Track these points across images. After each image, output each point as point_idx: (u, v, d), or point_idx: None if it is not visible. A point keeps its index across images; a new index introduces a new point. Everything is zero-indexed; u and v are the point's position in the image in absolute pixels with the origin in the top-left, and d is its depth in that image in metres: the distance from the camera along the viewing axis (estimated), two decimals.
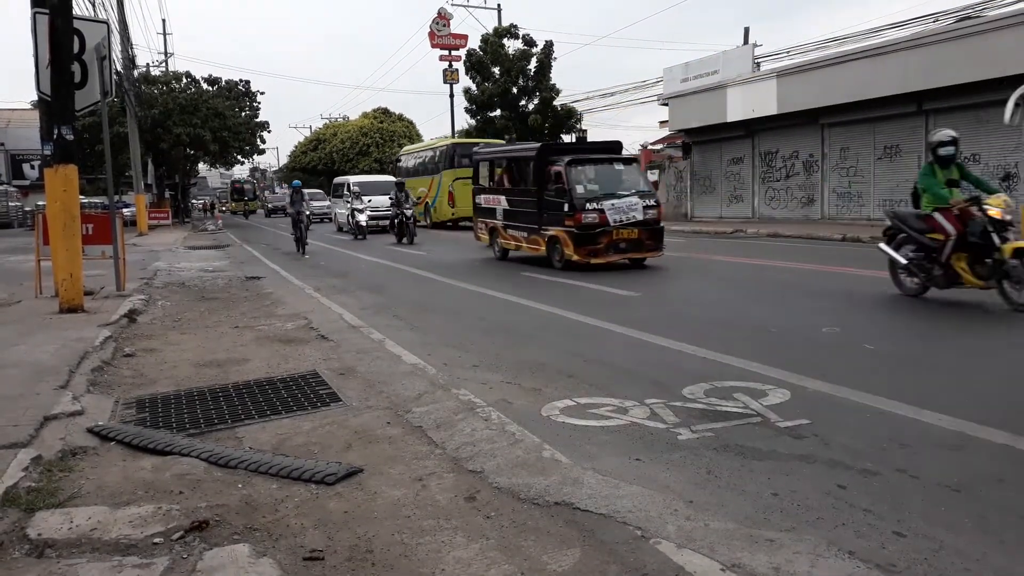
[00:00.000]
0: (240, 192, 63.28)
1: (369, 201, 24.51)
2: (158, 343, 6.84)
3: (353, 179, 28.81)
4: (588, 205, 11.68)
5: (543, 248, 12.62)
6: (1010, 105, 12.93)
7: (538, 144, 13.56)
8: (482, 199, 15.22)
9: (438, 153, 28.53)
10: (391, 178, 28.76)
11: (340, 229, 27.70)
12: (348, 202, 24.05)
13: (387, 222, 23.01)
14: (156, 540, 2.84)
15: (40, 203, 19.93)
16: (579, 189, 11.91)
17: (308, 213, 18.97)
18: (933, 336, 6.47)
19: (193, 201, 61.55)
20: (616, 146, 14.57)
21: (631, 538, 2.79)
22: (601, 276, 10.99)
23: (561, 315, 7.94)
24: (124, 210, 26.90)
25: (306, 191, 21.10)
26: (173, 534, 2.88)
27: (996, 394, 4.67)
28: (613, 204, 11.77)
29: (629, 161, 13.36)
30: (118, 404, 4.84)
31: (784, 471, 3.47)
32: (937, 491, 3.21)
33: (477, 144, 31.70)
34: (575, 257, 11.66)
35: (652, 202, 12.24)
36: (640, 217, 11.91)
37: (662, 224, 12.57)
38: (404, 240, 20.05)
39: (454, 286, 10.92)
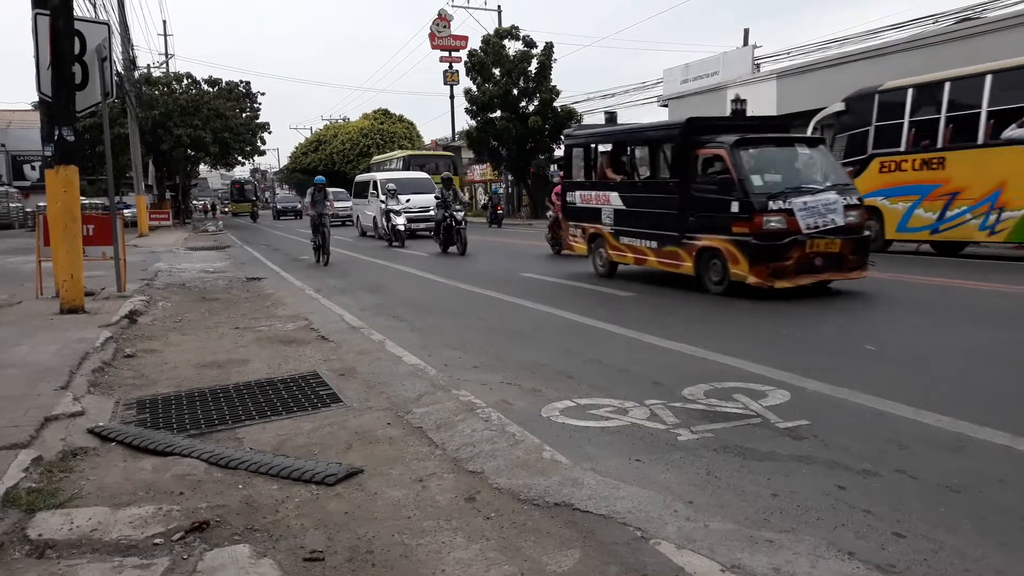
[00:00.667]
0: (241, 192, 61.48)
1: (407, 201, 20.81)
2: (159, 344, 6.85)
3: (382, 176, 24.70)
4: (771, 204, 8.31)
5: (688, 264, 9.29)
6: (810, 130, 14.36)
7: (681, 119, 10.14)
8: (577, 196, 11.73)
9: (399, 161, 31.29)
10: (425, 175, 25.87)
11: (363, 233, 24.48)
12: (383, 202, 20.25)
13: (423, 226, 20.21)
14: (156, 541, 2.84)
15: (41, 204, 19.94)
16: (756, 181, 8.60)
17: (331, 215, 16.17)
18: (933, 336, 6.47)
19: (194, 202, 61.20)
20: (783, 123, 11.20)
21: (631, 539, 2.80)
22: (601, 276, 11.00)
23: (561, 316, 7.95)
24: (125, 211, 26.91)
25: (330, 190, 18.02)
26: (173, 535, 2.89)
27: (996, 394, 4.67)
28: (805, 203, 8.36)
29: (815, 142, 9.79)
30: (119, 405, 4.84)
31: (784, 472, 3.47)
32: (937, 492, 3.21)
33: (431, 154, 32.52)
34: (752, 279, 8.37)
35: (854, 200, 8.77)
36: (841, 221, 8.46)
37: (867, 232, 9.12)
38: (454, 249, 16.45)
39: (454, 287, 10.92)
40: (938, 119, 12.01)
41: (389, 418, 4.44)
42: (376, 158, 39.63)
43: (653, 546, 2.73)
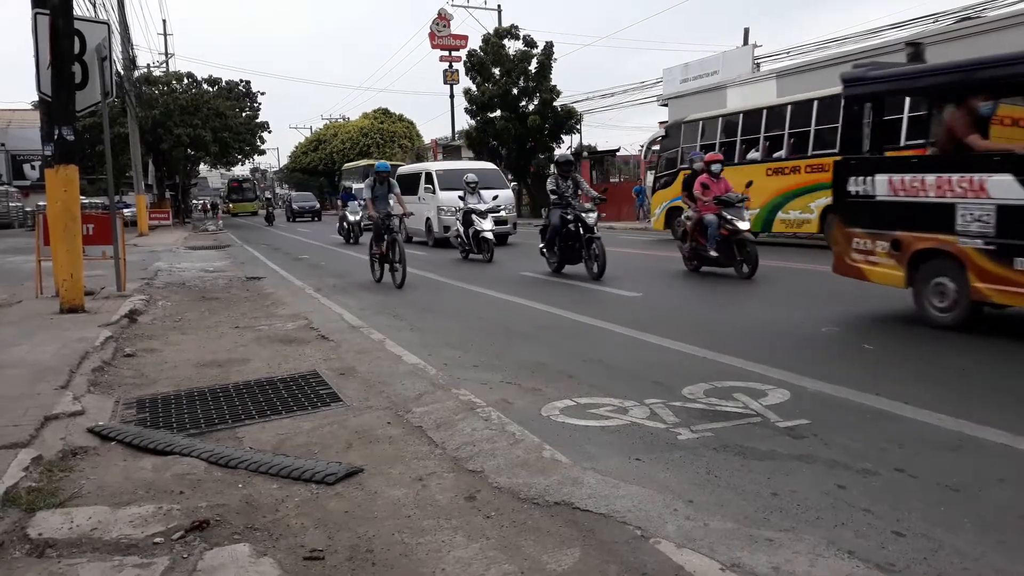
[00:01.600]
0: (240, 191, 57.23)
1: (495, 199, 16.07)
2: (159, 343, 6.85)
3: (439, 166, 19.87)
4: None
5: None
6: (645, 144, 18.09)
7: None
8: (879, 184, 6.78)
9: (361, 169, 31.97)
10: (494, 166, 21.06)
11: (410, 239, 18.79)
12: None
13: (488, 230, 14.45)
14: (156, 540, 2.84)
15: (41, 203, 19.90)
16: None
17: (401, 216, 11.40)
18: (933, 336, 6.47)
19: (194, 202, 60.54)
20: None
21: (631, 538, 2.80)
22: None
23: (561, 315, 7.94)
24: (125, 210, 26.89)
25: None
26: (173, 534, 2.89)
27: (996, 394, 4.67)
28: None
29: None
30: (119, 404, 4.84)
31: (784, 471, 3.48)
32: (936, 491, 3.21)
33: (400, 165, 32.13)
34: None
35: None
36: None
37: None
38: (580, 267, 11.14)
39: (454, 287, 10.92)
40: (719, 142, 16.44)
41: (389, 417, 4.44)
42: (346, 165, 40.01)
43: (653, 545, 2.73)
